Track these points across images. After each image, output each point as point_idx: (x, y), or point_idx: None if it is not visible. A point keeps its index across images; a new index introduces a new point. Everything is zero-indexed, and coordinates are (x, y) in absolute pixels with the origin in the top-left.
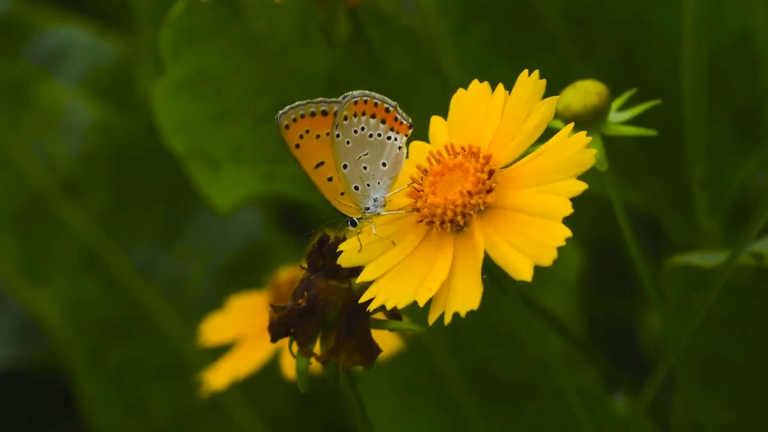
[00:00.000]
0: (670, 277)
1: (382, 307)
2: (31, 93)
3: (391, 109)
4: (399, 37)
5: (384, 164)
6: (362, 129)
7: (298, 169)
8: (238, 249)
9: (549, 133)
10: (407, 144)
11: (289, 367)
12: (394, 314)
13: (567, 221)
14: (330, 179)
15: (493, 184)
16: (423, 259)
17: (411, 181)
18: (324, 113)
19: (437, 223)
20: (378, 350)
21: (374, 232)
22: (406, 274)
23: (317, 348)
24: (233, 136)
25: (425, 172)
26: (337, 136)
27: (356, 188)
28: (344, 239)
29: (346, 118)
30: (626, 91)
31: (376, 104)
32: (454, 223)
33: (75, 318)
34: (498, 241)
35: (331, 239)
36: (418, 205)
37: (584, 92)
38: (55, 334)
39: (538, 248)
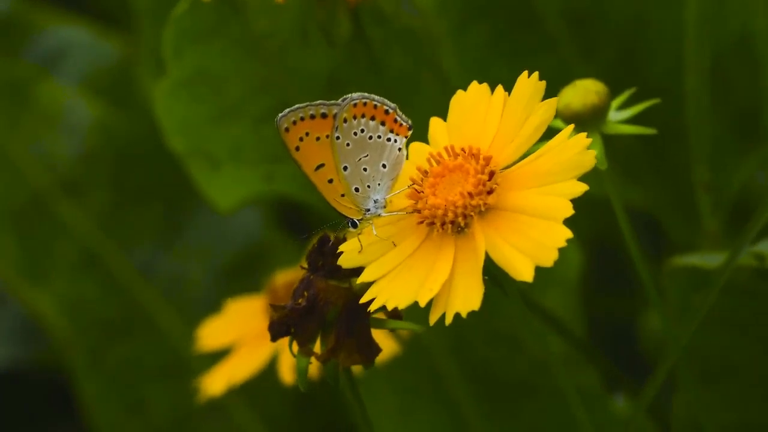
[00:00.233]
0: (670, 277)
1: (382, 308)
2: (31, 93)
3: (390, 110)
4: (399, 37)
5: (384, 166)
6: (362, 131)
7: (299, 169)
8: (238, 249)
9: (549, 132)
10: (407, 145)
11: (286, 371)
12: (395, 314)
13: (567, 221)
14: (330, 181)
15: (494, 186)
16: (424, 260)
17: (411, 183)
18: (323, 116)
19: (438, 224)
20: (378, 350)
21: (375, 233)
22: (407, 274)
23: (317, 347)
24: (233, 136)
25: (425, 173)
26: (337, 138)
27: (356, 190)
28: (344, 239)
29: (345, 121)
30: (626, 91)
31: (375, 106)
32: (455, 225)
33: (75, 318)
34: (499, 242)
35: (331, 239)
36: (419, 206)
37: (584, 91)
38: (55, 334)
39: (539, 249)
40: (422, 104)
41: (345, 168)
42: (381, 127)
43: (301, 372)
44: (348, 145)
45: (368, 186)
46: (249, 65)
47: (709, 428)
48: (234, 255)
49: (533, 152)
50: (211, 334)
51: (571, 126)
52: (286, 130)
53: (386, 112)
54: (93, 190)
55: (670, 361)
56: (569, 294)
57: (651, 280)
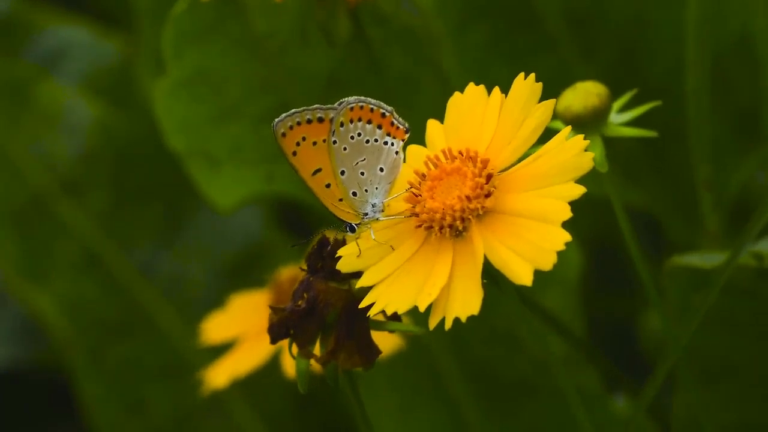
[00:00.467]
0: (670, 277)
1: (382, 311)
2: (31, 93)
3: (387, 114)
4: (399, 37)
5: (381, 169)
6: (359, 135)
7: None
8: (238, 249)
9: (549, 134)
10: (404, 148)
11: (289, 366)
12: (394, 316)
13: (566, 222)
14: (328, 186)
15: (492, 189)
16: (422, 264)
17: (409, 186)
18: (320, 120)
19: (436, 228)
20: (378, 352)
21: (373, 237)
22: (406, 278)
23: (317, 349)
24: (233, 136)
25: (423, 176)
26: (334, 142)
27: (354, 194)
28: (344, 241)
29: (342, 125)
30: (627, 92)
31: (371, 110)
32: (453, 228)
33: (75, 318)
34: (497, 246)
35: (331, 241)
36: (417, 210)
37: (585, 93)
38: (55, 334)
39: (538, 252)
40: (422, 104)
41: (342, 172)
42: (378, 131)
43: (301, 374)
44: (345, 149)
45: (366, 190)
46: (249, 65)
47: (709, 428)
48: (234, 255)
49: (531, 154)
50: (214, 328)
51: (569, 128)
52: (283, 135)
53: (383, 115)
54: (93, 190)
55: (670, 361)
56: (569, 294)
57: (651, 280)
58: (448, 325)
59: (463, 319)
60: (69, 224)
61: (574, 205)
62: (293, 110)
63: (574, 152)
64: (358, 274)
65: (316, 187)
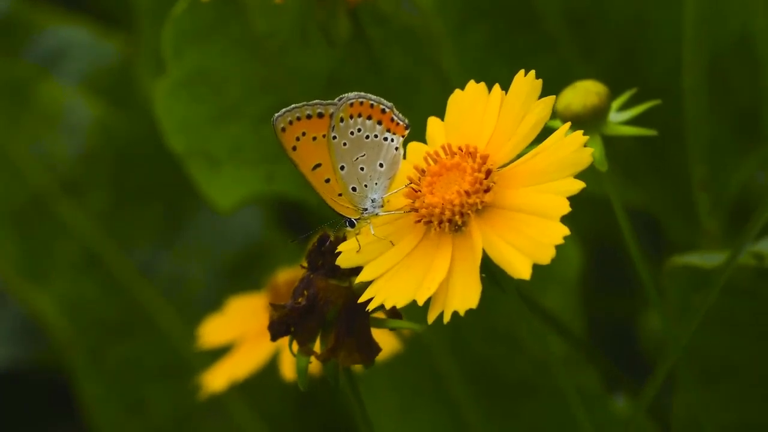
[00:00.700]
0: (670, 277)
1: (381, 306)
2: (31, 93)
3: (387, 110)
4: (399, 37)
5: (381, 165)
6: (358, 130)
7: (296, 169)
8: (238, 249)
9: (549, 132)
10: (404, 145)
11: (287, 368)
12: (394, 313)
13: (566, 221)
14: (327, 181)
15: (491, 184)
16: (422, 259)
17: (409, 182)
18: (320, 115)
19: (435, 222)
20: (378, 349)
21: (372, 232)
22: (405, 273)
23: (317, 347)
24: (233, 136)
25: (423, 172)
26: (334, 138)
27: (354, 189)
28: (344, 238)
29: (342, 120)
30: (626, 91)
31: (371, 105)
32: (452, 223)
33: (75, 318)
34: (496, 240)
35: (331, 238)
36: (416, 205)
37: (584, 92)
38: (55, 334)
39: (537, 247)
40: (422, 104)
41: (342, 167)
42: (378, 127)
43: (301, 371)
44: (345, 144)
45: (365, 185)
46: (249, 65)
47: (709, 428)
48: (234, 255)
49: (530, 150)
50: (212, 331)
51: (568, 124)
52: (283, 130)
53: (383, 111)
54: (93, 190)
55: (670, 361)
56: (569, 293)
57: (651, 280)
58: (446, 318)
59: (462, 312)
60: (69, 224)
61: (573, 204)
62: (293, 105)
63: (573, 148)
64: (357, 271)
65: (315, 183)
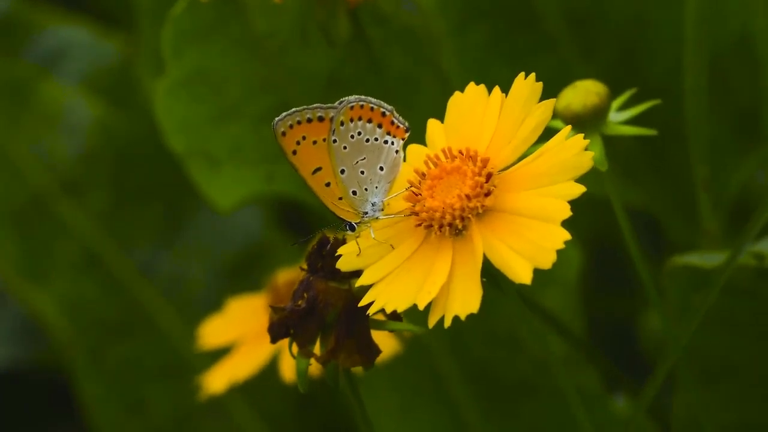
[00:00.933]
0: (670, 277)
1: (381, 310)
2: (31, 93)
3: (387, 113)
4: (399, 37)
5: (381, 168)
6: (359, 134)
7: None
8: (238, 249)
9: (549, 133)
10: (404, 147)
11: (287, 370)
12: (394, 315)
13: (566, 221)
14: (328, 184)
15: (491, 188)
16: (422, 263)
17: (409, 185)
18: (320, 119)
19: (436, 226)
20: (378, 351)
21: (373, 236)
22: (406, 277)
23: (317, 349)
24: (233, 136)
25: (423, 175)
26: (334, 141)
27: (354, 193)
28: (344, 241)
29: (342, 124)
30: (626, 91)
31: (372, 109)
32: (453, 227)
33: (75, 318)
34: (497, 245)
35: (331, 241)
36: (417, 208)
37: (584, 92)
38: (55, 334)
39: (537, 251)
40: (422, 105)
41: (342, 171)
42: (378, 130)
43: (301, 373)
44: (345, 148)
45: (366, 189)
46: (249, 65)
47: (709, 428)
48: (234, 255)
49: (531, 153)
50: (212, 332)
51: (569, 127)
52: (283, 134)
53: (383, 114)
54: (93, 190)
55: (670, 361)
56: (569, 294)
57: (651, 280)
58: (447, 323)
59: (463, 317)
60: (69, 224)
61: (573, 204)
62: (293, 109)
63: (574, 151)
64: (358, 274)
65: (316, 186)
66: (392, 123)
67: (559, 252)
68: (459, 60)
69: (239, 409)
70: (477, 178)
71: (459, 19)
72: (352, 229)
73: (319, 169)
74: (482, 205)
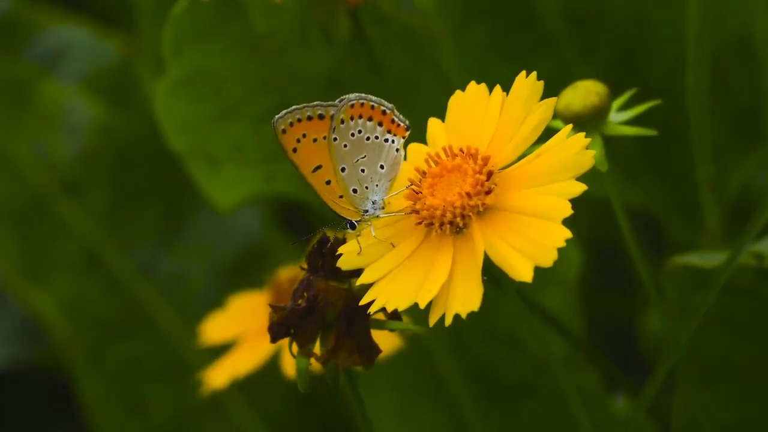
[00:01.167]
0: (670, 277)
1: (382, 309)
2: (31, 93)
3: (387, 111)
4: (399, 37)
5: (382, 167)
6: (359, 132)
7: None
8: (238, 249)
9: (550, 133)
10: (405, 146)
11: (289, 366)
12: (394, 315)
13: (566, 221)
14: (328, 182)
15: (492, 186)
16: (423, 261)
17: (409, 183)
18: (320, 117)
19: (436, 224)
20: (378, 351)
21: (373, 234)
22: (406, 275)
23: (317, 348)
24: (233, 136)
25: (423, 174)
26: (335, 139)
27: (354, 191)
28: (344, 240)
29: (342, 122)
30: (626, 91)
31: (372, 107)
32: (454, 225)
33: (75, 318)
34: (497, 243)
35: (331, 240)
36: (417, 207)
37: (585, 92)
38: (55, 334)
39: (538, 249)
40: (422, 104)
41: (343, 169)
42: (378, 128)
43: (301, 373)
44: (345, 146)
45: (366, 187)
46: (249, 65)
47: (709, 428)
48: (234, 255)
49: (532, 152)
50: (214, 328)
51: (570, 126)
52: (283, 131)
53: (383, 112)
54: (93, 190)
55: (670, 361)
56: (569, 294)
57: (651, 280)
58: (448, 321)
59: (463, 315)
60: (69, 224)
61: (574, 204)
62: (293, 107)
63: (574, 150)
64: (358, 272)
65: (316, 184)
66: (393, 121)
67: (559, 251)
68: (459, 60)
69: (239, 409)
70: (478, 176)
71: (459, 19)
72: (353, 227)
73: (319, 167)
74: (483, 203)
